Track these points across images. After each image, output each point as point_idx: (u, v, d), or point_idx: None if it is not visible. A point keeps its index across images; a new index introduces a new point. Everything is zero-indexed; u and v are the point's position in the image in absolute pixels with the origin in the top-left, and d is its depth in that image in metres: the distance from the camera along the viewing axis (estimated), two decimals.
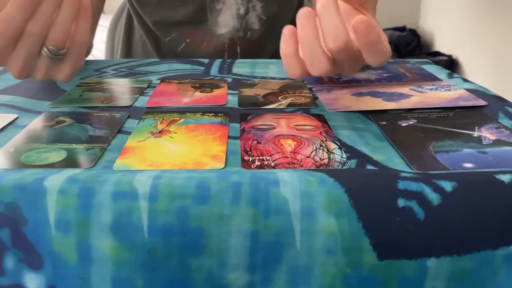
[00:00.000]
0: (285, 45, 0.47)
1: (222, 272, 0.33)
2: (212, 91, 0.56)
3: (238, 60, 0.71)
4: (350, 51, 0.45)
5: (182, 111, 0.49)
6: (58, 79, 0.52)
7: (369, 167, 0.37)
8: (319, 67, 0.45)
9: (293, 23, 0.48)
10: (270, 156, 0.39)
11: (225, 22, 0.82)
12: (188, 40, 0.84)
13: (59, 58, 0.50)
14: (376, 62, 0.45)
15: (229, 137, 0.43)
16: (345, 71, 0.49)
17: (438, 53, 2.53)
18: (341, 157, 0.39)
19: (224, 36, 0.83)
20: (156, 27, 0.85)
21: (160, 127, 0.45)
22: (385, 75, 0.62)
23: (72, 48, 0.51)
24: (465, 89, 0.55)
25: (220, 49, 0.83)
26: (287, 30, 0.47)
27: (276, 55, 0.83)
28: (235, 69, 0.66)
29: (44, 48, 0.49)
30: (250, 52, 0.85)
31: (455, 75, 0.62)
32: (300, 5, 0.92)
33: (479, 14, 2.19)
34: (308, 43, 0.45)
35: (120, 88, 0.58)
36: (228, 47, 0.84)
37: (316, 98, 0.54)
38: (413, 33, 2.73)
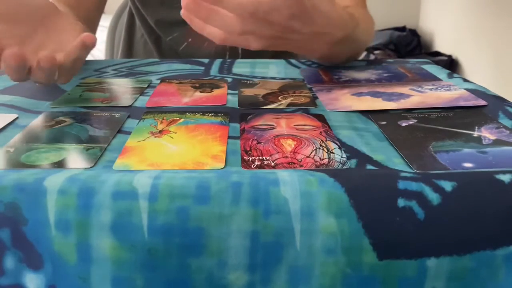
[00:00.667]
0: (195, 23, 0.48)
1: (222, 272, 0.33)
2: (212, 91, 0.56)
3: (238, 60, 0.71)
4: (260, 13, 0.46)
5: (182, 111, 0.49)
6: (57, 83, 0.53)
7: (369, 167, 0.37)
8: (234, 28, 0.46)
9: None
10: (270, 156, 0.39)
11: None
12: (190, 40, 0.84)
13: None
14: None
15: (229, 137, 0.43)
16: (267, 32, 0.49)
17: (438, 53, 2.53)
18: (341, 157, 0.39)
19: None
20: (158, 26, 0.85)
21: (160, 127, 0.45)
22: (385, 75, 0.62)
23: (62, 72, 0.51)
24: (465, 89, 0.55)
25: (221, 49, 0.83)
26: (185, 12, 0.48)
27: (277, 55, 0.83)
28: (235, 69, 0.66)
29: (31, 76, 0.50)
30: (252, 53, 0.84)
31: (455, 75, 0.62)
32: None
33: (479, 14, 2.19)
34: (215, 19, 0.46)
35: (120, 88, 0.58)
36: (229, 47, 0.84)
37: (316, 98, 0.54)
38: (413, 33, 2.73)
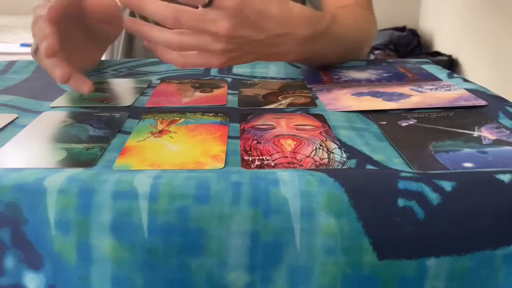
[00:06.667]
0: (158, 51, 0.52)
1: (222, 272, 0.33)
2: (212, 91, 0.56)
3: None
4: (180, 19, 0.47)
5: (182, 111, 0.49)
6: None
7: (369, 167, 0.37)
8: (173, 42, 0.49)
9: None
10: (270, 156, 0.39)
11: None
12: None
13: None
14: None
15: (229, 137, 0.43)
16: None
17: (438, 53, 2.53)
18: (341, 157, 0.39)
19: None
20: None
21: (160, 127, 0.45)
22: (385, 75, 0.62)
23: None
24: (465, 89, 0.55)
25: None
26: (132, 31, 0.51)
27: None
28: (235, 69, 0.66)
29: None
30: None
31: (455, 75, 0.62)
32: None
33: (479, 14, 2.19)
34: (156, 36, 0.50)
35: (120, 88, 0.58)
36: None
37: (316, 98, 0.54)
38: (413, 33, 2.73)
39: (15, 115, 0.48)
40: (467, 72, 2.31)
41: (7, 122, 0.46)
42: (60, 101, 0.53)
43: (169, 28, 0.48)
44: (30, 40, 1.86)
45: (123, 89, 0.58)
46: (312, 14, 0.56)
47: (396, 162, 0.38)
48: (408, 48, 2.65)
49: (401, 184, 0.34)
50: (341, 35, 0.62)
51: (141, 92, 0.56)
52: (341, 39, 0.63)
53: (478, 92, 0.54)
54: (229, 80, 0.62)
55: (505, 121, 0.46)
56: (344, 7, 0.71)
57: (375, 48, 2.58)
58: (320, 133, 0.43)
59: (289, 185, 0.33)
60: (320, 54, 0.61)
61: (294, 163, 0.37)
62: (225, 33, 0.48)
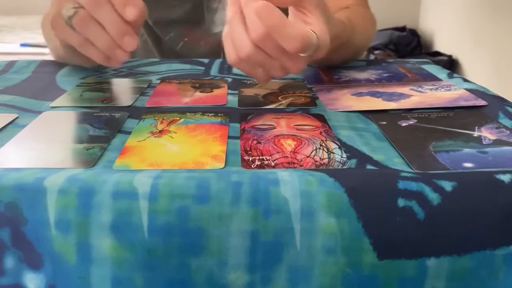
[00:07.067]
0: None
1: (222, 272, 0.33)
2: (212, 91, 0.56)
3: None
4: (269, 44, 0.45)
5: (182, 111, 0.49)
6: None
7: (369, 167, 0.37)
8: (242, 50, 0.46)
9: None
10: (270, 156, 0.39)
11: (222, 21, 0.82)
12: (186, 39, 0.84)
13: None
14: (291, 48, 0.44)
15: (229, 137, 0.43)
16: (267, 68, 0.48)
17: (438, 53, 2.52)
18: (341, 157, 0.39)
19: (220, 34, 0.83)
20: (156, 26, 0.85)
21: (160, 127, 0.45)
22: (385, 75, 0.62)
23: None
24: (465, 89, 0.55)
25: (216, 47, 0.83)
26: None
27: None
28: (235, 69, 0.66)
29: None
30: None
31: (455, 75, 0.62)
32: None
33: (479, 14, 2.19)
34: (235, 30, 0.46)
35: (120, 88, 0.58)
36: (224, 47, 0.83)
37: (316, 98, 0.54)
38: (413, 33, 2.73)
39: (15, 115, 0.48)
40: (467, 72, 2.31)
41: (7, 122, 0.46)
42: (60, 101, 0.53)
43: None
44: (30, 40, 1.86)
45: (123, 89, 0.58)
46: (342, 28, 0.57)
47: (396, 162, 0.38)
48: (408, 48, 2.65)
49: (401, 184, 0.34)
50: (353, 43, 0.63)
51: (141, 92, 0.56)
52: (349, 44, 0.64)
53: (478, 92, 0.54)
54: (229, 80, 0.62)
55: (505, 121, 0.46)
56: (345, 9, 0.71)
57: (375, 48, 2.58)
58: (320, 133, 0.43)
59: (289, 185, 0.33)
60: (327, 58, 0.62)
61: (294, 163, 0.37)
62: (295, 72, 0.48)
